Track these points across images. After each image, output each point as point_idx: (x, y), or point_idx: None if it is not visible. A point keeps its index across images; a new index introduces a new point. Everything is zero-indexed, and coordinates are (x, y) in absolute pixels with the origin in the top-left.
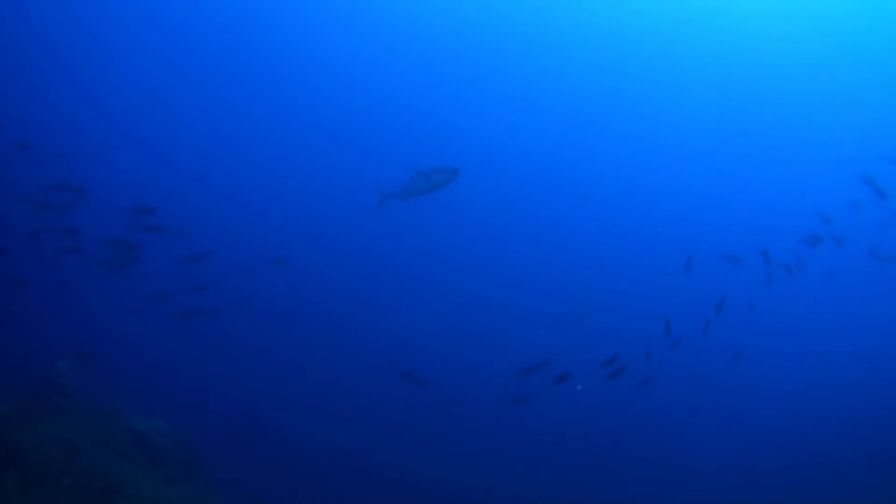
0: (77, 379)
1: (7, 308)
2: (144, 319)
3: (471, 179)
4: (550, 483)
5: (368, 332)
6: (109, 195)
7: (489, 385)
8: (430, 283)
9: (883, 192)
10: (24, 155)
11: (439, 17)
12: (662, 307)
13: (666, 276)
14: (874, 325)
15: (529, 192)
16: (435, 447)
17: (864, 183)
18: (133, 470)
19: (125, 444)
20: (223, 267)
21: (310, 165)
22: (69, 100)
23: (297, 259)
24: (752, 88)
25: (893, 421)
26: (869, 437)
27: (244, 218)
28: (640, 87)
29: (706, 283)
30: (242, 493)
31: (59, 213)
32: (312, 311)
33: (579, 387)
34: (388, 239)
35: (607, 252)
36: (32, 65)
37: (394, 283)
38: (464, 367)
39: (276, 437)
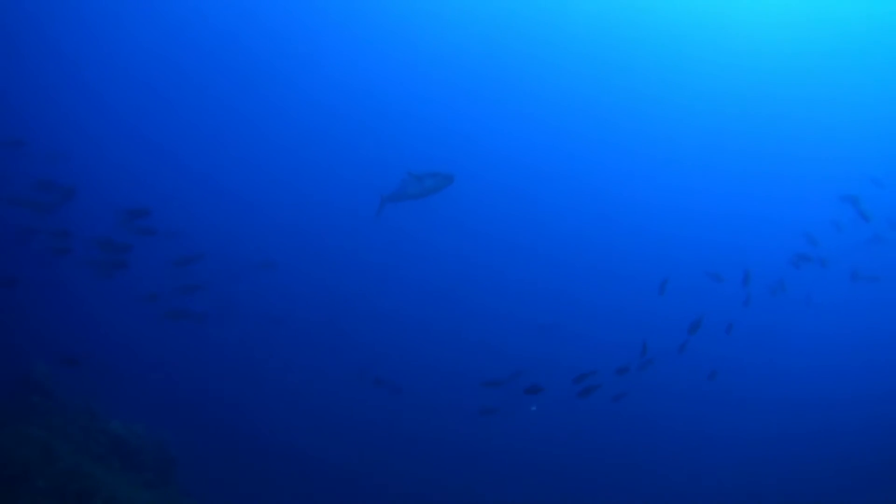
0: (57, 380)
1: None
2: (128, 321)
3: (459, 185)
4: (539, 488)
5: (352, 335)
6: (101, 194)
7: (469, 390)
8: (418, 287)
9: (866, 214)
10: (16, 153)
11: (437, 22)
12: (647, 321)
13: (651, 290)
14: (854, 342)
15: (519, 201)
16: (418, 450)
17: (846, 203)
18: (109, 473)
19: (102, 446)
20: (211, 269)
21: (302, 168)
22: (62, 98)
23: (285, 262)
24: (744, 102)
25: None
26: (850, 450)
27: (234, 219)
28: (631, 102)
29: (691, 298)
30: (219, 497)
31: (48, 213)
32: (296, 314)
33: (534, 408)
34: (378, 242)
35: (594, 263)
36: (24, 62)
37: (381, 286)
38: (445, 372)
39: (256, 441)
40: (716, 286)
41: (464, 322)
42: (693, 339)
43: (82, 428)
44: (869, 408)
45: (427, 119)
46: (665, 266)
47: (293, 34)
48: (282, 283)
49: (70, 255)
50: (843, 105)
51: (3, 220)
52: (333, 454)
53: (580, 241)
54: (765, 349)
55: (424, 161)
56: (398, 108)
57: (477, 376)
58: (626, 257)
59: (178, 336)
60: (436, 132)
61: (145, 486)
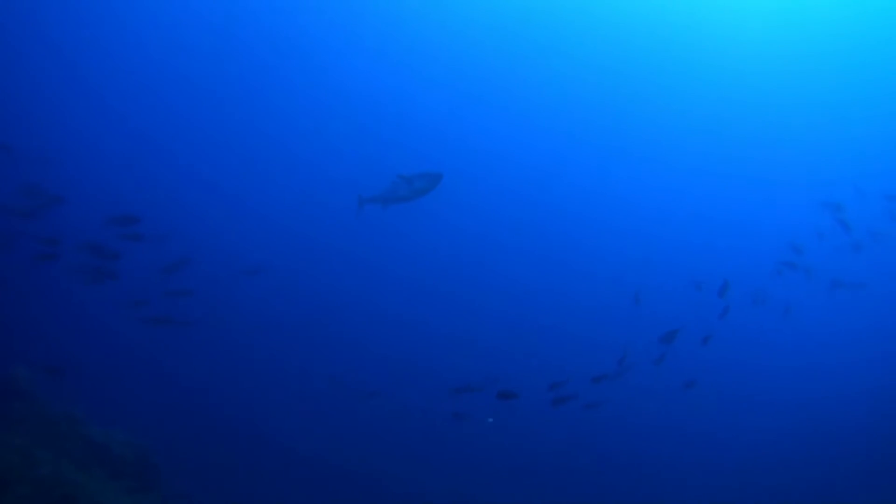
0: (39, 386)
1: None
2: (112, 326)
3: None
4: (528, 490)
5: (336, 339)
6: (89, 199)
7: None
8: (405, 290)
9: (848, 224)
10: (4, 158)
11: (429, 23)
12: (628, 327)
13: (633, 295)
14: (834, 349)
15: (502, 203)
16: (404, 453)
17: (828, 211)
18: (91, 480)
19: (84, 453)
20: (198, 274)
21: (295, 170)
22: (51, 102)
23: (273, 266)
24: (735, 109)
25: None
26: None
27: (224, 223)
28: (617, 106)
29: (673, 304)
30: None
31: (34, 218)
32: (282, 318)
33: (490, 419)
34: (368, 245)
35: (576, 266)
36: (13, 64)
37: (367, 289)
38: (431, 374)
39: (241, 447)
40: (697, 293)
41: (447, 324)
42: (672, 348)
43: (64, 434)
44: (852, 413)
45: (420, 121)
46: (649, 272)
47: (284, 37)
48: (269, 287)
49: (56, 261)
50: (829, 111)
51: None
52: (319, 458)
53: (564, 245)
54: (745, 356)
55: (412, 162)
56: (390, 110)
57: (458, 379)
58: (611, 262)
59: (162, 342)
60: (427, 133)
61: (127, 492)
